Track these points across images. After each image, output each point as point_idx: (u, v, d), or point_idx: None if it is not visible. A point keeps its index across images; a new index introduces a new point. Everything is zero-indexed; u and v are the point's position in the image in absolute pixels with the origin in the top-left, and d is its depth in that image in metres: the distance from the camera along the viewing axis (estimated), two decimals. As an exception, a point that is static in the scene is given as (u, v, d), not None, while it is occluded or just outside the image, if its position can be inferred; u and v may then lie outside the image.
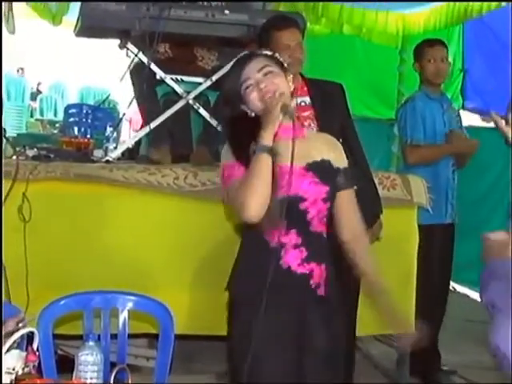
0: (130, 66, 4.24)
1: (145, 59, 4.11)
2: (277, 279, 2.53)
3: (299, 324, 2.64)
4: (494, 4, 5.98)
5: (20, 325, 2.27)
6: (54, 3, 10.19)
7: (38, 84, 15.29)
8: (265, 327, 2.52)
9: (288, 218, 2.58)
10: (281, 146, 2.55)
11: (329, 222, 2.74)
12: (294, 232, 2.62)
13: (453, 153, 4.61)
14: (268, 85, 2.59)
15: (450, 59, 4.82)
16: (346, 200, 2.78)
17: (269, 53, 2.71)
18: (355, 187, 3.57)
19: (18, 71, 15.09)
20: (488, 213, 7.35)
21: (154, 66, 4.13)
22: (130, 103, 4.41)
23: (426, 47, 4.68)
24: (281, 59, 2.72)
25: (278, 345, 2.61)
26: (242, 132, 2.63)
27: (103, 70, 14.76)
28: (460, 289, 7.09)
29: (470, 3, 6.09)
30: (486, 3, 5.91)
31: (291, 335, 2.63)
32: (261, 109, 2.58)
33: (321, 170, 2.67)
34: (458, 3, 6.37)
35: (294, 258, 2.63)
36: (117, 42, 4.23)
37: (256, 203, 2.49)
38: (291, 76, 2.70)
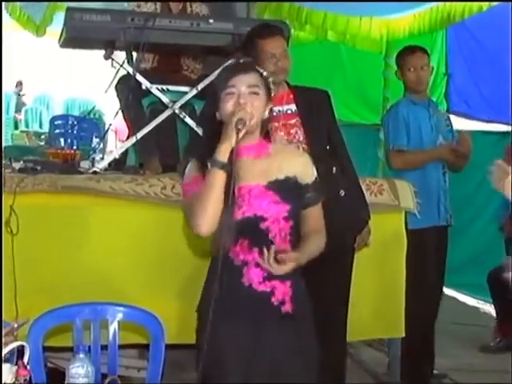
0: (114, 77, 4.24)
1: (130, 69, 4.11)
2: (239, 297, 2.62)
3: (259, 341, 2.65)
4: (475, 8, 6.01)
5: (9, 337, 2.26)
6: (37, 14, 10.18)
7: (22, 95, 15.23)
8: (229, 343, 2.62)
9: (250, 237, 2.62)
10: (242, 166, 2.57)
11: (293, 239, 2.72)
12: (256, 250, 2.63)
13: (437, 159, 4.60)
14: (247, 103, 2.58)
15: (433, 64, 4.81)
16: (313, 215, 2.79)
17: (265, 73, 2.71)
18: (343, 193, 3.62)
19: (16, 86, 15.06)
20: (474, 215, 7.40)
21: (139, 76, 4.13)
22: (116, 114, 4.40)
23: (406, 55, 4.68)
24: (271, 86, 2.72)
25: (242, 360, 2.65)
26: (210, 143, 2.62)
27: (88, 80, 14.73)
28: (448, 292, 7.10)
29: (453, 7, 6.12)
30: (467, 8, 5.95)
31: (251, 352, 2.65)
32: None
33: (283, 188, 2.67)
34: (440, 7, 6.40)
35: (255, 276, 2.65)
36: (101, 52, 4.23)
37: (206, 218, 2.52)
38: (270, 107, 2.70)
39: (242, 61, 2.82)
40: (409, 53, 4.68)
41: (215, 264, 2.68)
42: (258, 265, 2.62)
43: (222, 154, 2.50)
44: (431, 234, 4.51)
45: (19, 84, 15.12)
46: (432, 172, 4.57)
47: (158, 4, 4.56)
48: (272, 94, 2.73)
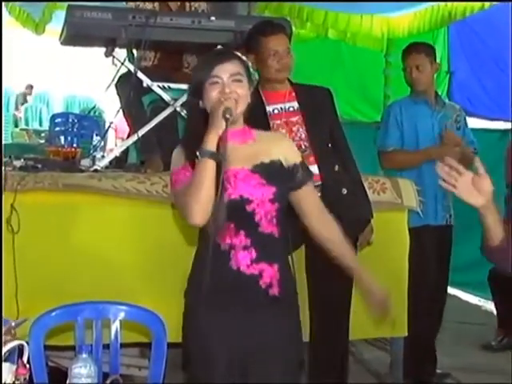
0: (115, 75, 4.22)
1: (131, 67, 4.10)
2: (227, 281, 2.63)
3: (250, 324, 2.65)
4: (477, 6, 6.00)
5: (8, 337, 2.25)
6: (36, 12, 10.18)
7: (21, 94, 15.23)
8: (216, 328, 2.63)
9: (236, 220, 2.62)
10: (227, 151, 2.55)
11: (279, 222, 2.72)
12: (242, 234, 2.63)
13: (427, 159, 4.50)
14: (232, 92, 2.59)
15: (436, 63, 4.75)
16: (308, 194, 2.81)
17: (245, 59, 2.74)
18: (345, 191, 3.61)
19: (26, 88, 15.08)
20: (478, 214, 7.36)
21: (140, 74, 4.11)
22: (117, 113, 4.39)
23: (405, 53, 4.68)
24: (251, 70, 2.75)
25: (229, 345, 2.64)
26: (196, 132, 2.62)
27: (88, 78, 14.74)
28: (452, 291, 7.09)
29: (454, 6, 6.11)
30: (469, 5, 5.93)
31: (242, 335, 2.65)
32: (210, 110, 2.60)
33: (268, 171, 2.67)
34: (441, 6, 6.39)
35: (243, 259, 2.65)
36: (102, 49, 4.22)
37: (199, 209, 2.52)
38: (251, 89, 2.70)
39: (221, 49, 2.81)
40: (405, 53, 4.68)
41: (202, 249, 2.71)
42: (245, 248, 2.64)
43: (210, 143, 2.51)
44: (427, 232, 4.47)
45: (29, 87, 15.13)
46: (428, 171, 4.46)
47: (156, 3, 4.55)
48: (252, 80, 2.74)
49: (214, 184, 2.52)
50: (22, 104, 14.90)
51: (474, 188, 2.37)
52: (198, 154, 2.53)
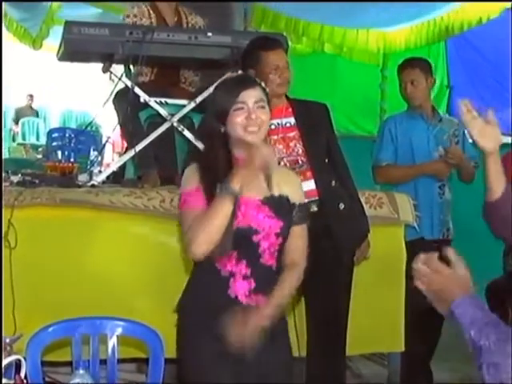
0: (113, 91, 4.23)
1: (128, 83, 4.11)
2: (224, 307, 2.61)
3: (241, 351, 2.63)
4: (474, 20, 6.03)
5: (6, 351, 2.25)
6: (34, 28, 10.21)
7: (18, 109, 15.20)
8: (210, 352, 2.63)
9: (240, 249, 2.63)
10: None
11: (280, 256, 2.74)
12: (244, 263, 2.65)
13: (421, 174, 4.51)
14: (258, 118, 2.62)
15: (434, 77, 4.75)
16: (297, 234, 2.79)
17: (264, 87, 2.74)
18: (342, 206, 3.61)
19: (27, 100, 15.09)
20: (479, 226, 7.34)
21: (137, 90, 4.12)
22: (115, 128, 4.40)
23: (400, 68, 4.68)
24: (268, 97, 2.74)
25: (223, 371, 2.65)
26: (215, 156, 2.65)
27: (85, 92, 14.74)
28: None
29: (451, 20, 6.14)
30: (466, 21, 5.96)
31: (234, 361, 2.64)
32: (238, 137, 2.61)
33: (277, 205, 2.69)
34: (438, 20, 6.41)
35: (242, 289, 2.66)
36: (99, 64, 4.23)
37: (205, 240, 2.53)
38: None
39: (244, 75, 2.84)
40: (400, 68, 4.68)
41: (200, 272, 2.73)
42: (245, 277, 2.65)
43: (236, 182, 2.52)
44: (422, 246, 4.35)
45: (30, 97, 15.14)
46: (423, 185, 4.50)
47: (153, 16, 4.56)
48: (270, 106, 2.75)
49: (226, 223, 2.54)
50: (27, 116, 14.89)
51: (485, 132, 2.40)
52: (220, 188, 2.54)
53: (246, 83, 2.69)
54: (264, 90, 2.71)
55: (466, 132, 4.72)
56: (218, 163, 2.61)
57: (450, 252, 1.98)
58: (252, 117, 2.61)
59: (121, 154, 4.72)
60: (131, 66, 4.28)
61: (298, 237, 2.79)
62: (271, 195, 2.68)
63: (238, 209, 2.59)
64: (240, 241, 2.61)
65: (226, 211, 2.53)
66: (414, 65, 4.64)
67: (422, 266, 1.97)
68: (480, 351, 1.80)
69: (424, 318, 4.39)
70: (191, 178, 2.67)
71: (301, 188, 2.89)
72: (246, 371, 2.66)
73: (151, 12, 4.58)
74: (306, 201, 2.95)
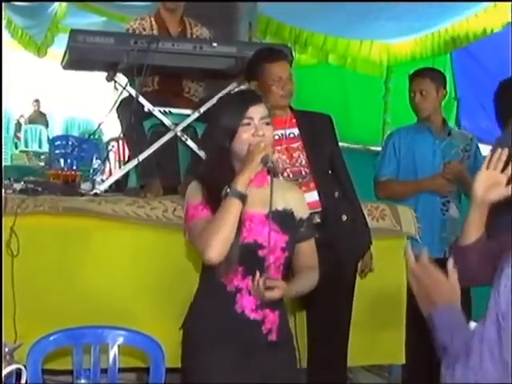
0: (117, 100, 4.23)
1: (133, 92, 4.11)
2: (230, 323, 2.64)
3: (247, 367, 2.66)
4: (479, 32, 6.04)
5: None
6: (39, 36, 10.25)
7: (20, 117, 15.24)
8: (216, 369, 2.64)
9: (246, 264, 2.63)
10: (248, 193, 2.59)
11: (285, 271, 2.76)
12: (250, 278, 2.63)
13: (420, 190, 4.42)
14: (264, 134, 2.63)
15: (444, 89, 4.58)
16: (308, 249, 2.81)
17: (267, 104, 2.76)
18: (345, 218, 3.61)
19: (33, 105, 15.13)
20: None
21: (141, 99, 4.13)
22: (119, 138, 4.39)
23: (410, 78, 4.57)
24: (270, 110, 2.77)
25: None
26: (219, 171, 2.66)
27: (88, 100, 14.78)
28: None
29: (456, 32, 6.14)
30: (471, 32, 5.97)
31: (241, 376, 2.65)
32: (244, 154, 2.61)
33: (282, 219, 2.69)
34: (442, 33, 6.43)
35: (248, 304, 2.67)
36: (101, 73, 4.24)
37: (219, 246, 2.53)
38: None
39: (249, 90, 2.85)
40: (411, 77, 4.57)
41: (207, 288, 2.73)
42: (251, 292, 2.64)
43: (242, 184, 2.55)
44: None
45: (36, 102, 15.19)
46: (424, 200, 4.41)
47: (155, 28, 4.57)
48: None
49: (237, 225, 2.55)
50: (33, 122, 14.93)
51: (489, 185, 2.38)
52: (227, 191, 2.55)
53: (253, 99, 2.70)
54: (266, 105, 2.73)
55: (478, 146, 4.66)
56: (222, 178, 2.61)
57: (450, 262, 1.99)
58: (259, 133, 2.62)
59: (125, 163, 4.71)
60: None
61: (311, 251, 2.81)
62: (276, 209, 2.67)
63: (243, 224, 2.60)
64: (246, 256, 2.61)
65: (235, 212, 2.54)
66: (424, 74, 4.53)
67: (418, 265, 2.02)
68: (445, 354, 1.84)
69: (426, 330, 4.39)
70: (193, 193, 2.69)
71: (304, 201, 2.90)
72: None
73: (153, 23, 4.59)
74: (310, 211, 2.94)
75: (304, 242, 2.79)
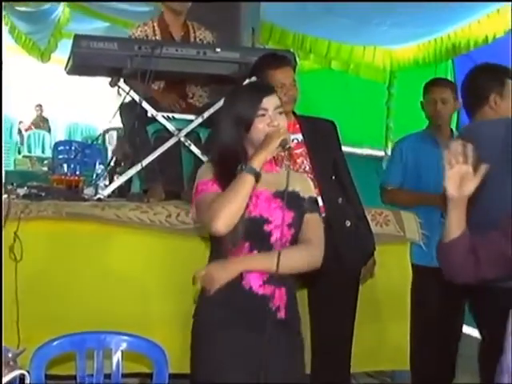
0: (121, 105, 4.24)
1: (136, 97, 4.11)
2: (239, 300, 2.67)
3: (259, 344, 2.62)
4: (480, 39, 6.04)
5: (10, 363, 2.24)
6: (42, 41, 10.28)
7: (20, 123, 15.24)
8: (227, 344, 2.67)
9: (252, 239, 2.67)
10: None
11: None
12: (256, 254, 2.68)
13: (429, 204, 4.33)
14: (279, 124, 2.69)
15: (457, 101, 4.51)
16: (312, 222, 2.82)
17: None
18: (348, 223, 3.60)
19: (36, 110, 15.16)
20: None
21: (145, 104, 4.13)
22: (121, 144, 4.40)
23: (429, 86, 4.57)
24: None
25: (240, 366, 2.66)
26: (232, 155, 2.70)
27: (91, 105, 14.80)
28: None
29: (458, 39, 6.15)
30: (472, 39, 5.97)
31: (253, 356, 2.64)
32: (260, 141, 2.67)
33: (289, 198, 2.70)
34: (445, 39, 6.43)
35: (255, 280, 2.69)
36: (104, 78, 4.25)
37: (228, 218, 2.56)
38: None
39: (262, 82, 2.92)
40: (431, 85, 4.58)
41: None
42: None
43: (258, 163, 2.61)
44: (424, 272, 4.18)
45: (39, 107, 15.21)
46: (428, 210, 4.34)
47: (158, 33, 4.58)
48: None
49: (247, 200, 2.59)
50: (40, 127, 14.96)
51: (459, 180, 2.39)
52: (242, 167, 2.61)
53: (266, 90, 2.76)
54: (278, 96, 2.80)
55: None
56: (236, 159, 2.68)
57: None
58: (274, 123, 2.68)
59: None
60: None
61: (313, 225, 2.82)
62: (284, 190, 2.69)
63: (250, 200, 2.63)
64: (251, 230, 2.65)
65: (248, 187, 2.58)
66: (446, 84, 4.62)
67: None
68: None
69: (432, 336, 4.35)
70: (204, 172, 2.74)
71: (312, 187, 2.95)
72: (258, 364, 2.63)
73: (156, 28, 4.60)
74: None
75: (306, 215, 2.81)
